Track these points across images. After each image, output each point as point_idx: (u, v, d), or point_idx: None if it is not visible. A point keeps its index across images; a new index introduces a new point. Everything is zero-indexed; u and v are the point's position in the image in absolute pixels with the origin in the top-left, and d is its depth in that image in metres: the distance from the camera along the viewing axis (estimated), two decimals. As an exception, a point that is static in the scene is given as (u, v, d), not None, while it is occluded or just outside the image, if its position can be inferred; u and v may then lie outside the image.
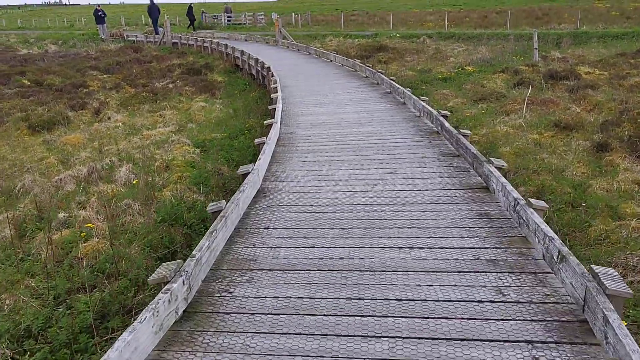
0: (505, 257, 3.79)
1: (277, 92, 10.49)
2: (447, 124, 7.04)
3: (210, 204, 4.59)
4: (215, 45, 22.25)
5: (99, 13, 31.34)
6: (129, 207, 6.34)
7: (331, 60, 16.70)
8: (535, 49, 17.51)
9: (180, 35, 27.53)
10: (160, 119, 12.04)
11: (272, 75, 12.90)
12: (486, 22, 36.74)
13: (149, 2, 30.49)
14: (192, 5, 40.43)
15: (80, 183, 7.49)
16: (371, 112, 9.28)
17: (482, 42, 24.00)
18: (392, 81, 10.91)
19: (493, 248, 3.95)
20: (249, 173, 5.31)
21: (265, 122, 7.84)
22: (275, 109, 8.63)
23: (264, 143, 6.51)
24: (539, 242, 3.76)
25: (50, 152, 9.39)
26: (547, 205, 4.17)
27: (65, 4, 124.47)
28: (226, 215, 4.27)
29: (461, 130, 6.56)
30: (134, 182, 7.12)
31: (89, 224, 5.80)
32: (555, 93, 12.23)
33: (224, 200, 4.60)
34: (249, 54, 17.46)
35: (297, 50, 20.44)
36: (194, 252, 3.60)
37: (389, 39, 26.47)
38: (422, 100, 8.78)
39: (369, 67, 13.35)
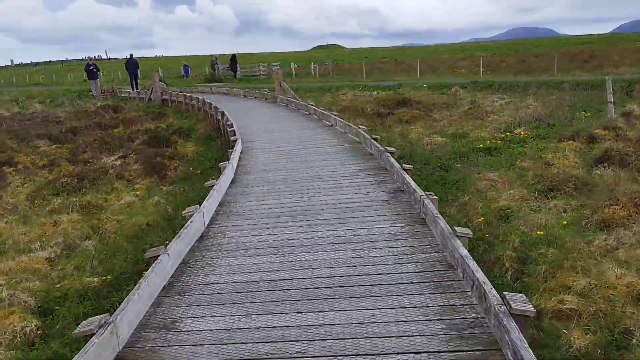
0: None
1: (213, 200, 6.17)
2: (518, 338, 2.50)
3: None
4: (201, 104, 18.44)
5: (91, 67, 28.19)
6: None
7: (332, 125, 12.47)
8: (610, 102, 12.94)
9: (170, 91, 24.00)
10: (53, 228, 7.89)
11: (230, 156, 8.70)
12: (526, 67, 32.35)
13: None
14: (234, 55, 39.85)
15: None
16: (362, 251, 4.79)
17: (528, 91, 19.53)
18: (405, 175, 6.47)
19: None
20: None
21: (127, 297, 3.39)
22: (155, 260, 4.25)
23: None
24: None
25: None
26: None
27: (108, 58, 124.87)
28: None
29: None
30: None
31: None
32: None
33: None
34: (227, 117, 13.44)
35: (295, 109, 16.33)
36: None
37: (414, 90, 22.26)
38: (461, 234, 4.29)
39: (375, 140, 9.00)
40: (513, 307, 2.96)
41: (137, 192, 9.76)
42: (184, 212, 5.59)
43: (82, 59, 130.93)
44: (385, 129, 14.82)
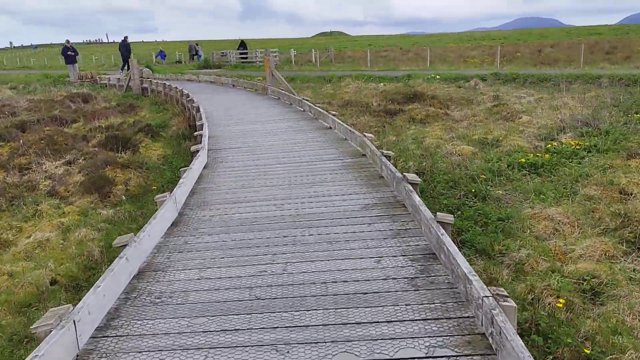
0: None
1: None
2: None
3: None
4: (178, 95, 15.85)
5: (68, 52, 25.55)
6: None
7: (330, 127, 9.90)
8: (678, 105, 10.36)
9: (151, 79, 21.40)
10: None
11: (180, 180, 6.15)
12: (543, 58, 29.65)
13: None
14: (243, 41, 40.50)
15: None
16: None
17: (558, 87, 16.91)
18: (445, 237, 3.90)
19: None
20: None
21: None
22: None
23: None
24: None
25: None
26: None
27: (108, 42, 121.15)
28: None
29: None
30: None
31: None
32: None
33: None
34: (200, 115, 10.89)
35: (288, 104, 13.73)
36: None
37: (426, 82, 19.65)
38: None
39: (386, 158, 6.42)
40: None
41: (65, 220, 7.24)
42: (33, 326, 3.02)
43: (83, 42, 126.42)
44: (396, 130, 12.29)
